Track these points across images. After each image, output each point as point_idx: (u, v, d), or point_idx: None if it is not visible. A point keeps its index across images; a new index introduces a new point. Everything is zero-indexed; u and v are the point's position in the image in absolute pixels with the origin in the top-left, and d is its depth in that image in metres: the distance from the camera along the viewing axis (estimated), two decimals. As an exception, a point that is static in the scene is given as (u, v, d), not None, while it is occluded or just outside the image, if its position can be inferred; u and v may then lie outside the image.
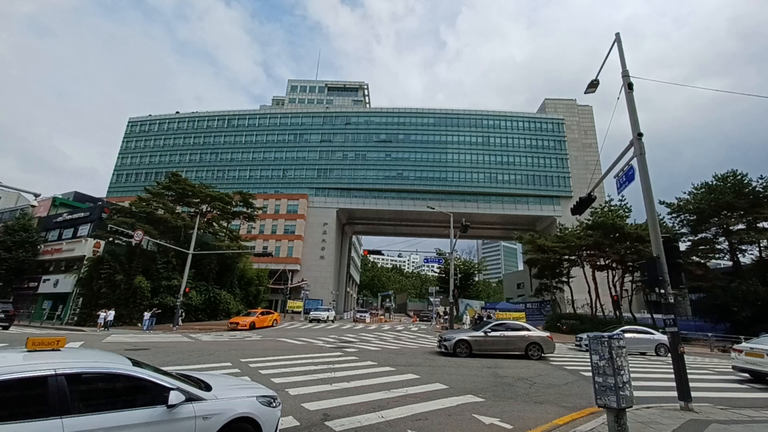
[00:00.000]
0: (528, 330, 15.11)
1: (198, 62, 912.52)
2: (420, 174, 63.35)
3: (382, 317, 50.14)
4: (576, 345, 20.63)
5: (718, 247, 31.69)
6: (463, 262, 65.39)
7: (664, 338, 17.64)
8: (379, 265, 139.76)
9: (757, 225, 28.65)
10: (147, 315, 24.21)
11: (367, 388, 8.54)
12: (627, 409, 5.49)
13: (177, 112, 73.53)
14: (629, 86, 9.91)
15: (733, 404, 8.16)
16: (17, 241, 33.52)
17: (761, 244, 29.68)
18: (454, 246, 30.56)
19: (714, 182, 31.29)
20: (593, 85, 12.08)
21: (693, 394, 7.33)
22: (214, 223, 37.90)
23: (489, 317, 28.72)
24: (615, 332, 6.03)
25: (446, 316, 39.16)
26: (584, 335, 22.05)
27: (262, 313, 28.72)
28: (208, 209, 36.92)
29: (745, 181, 29.53)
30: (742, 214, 28.64)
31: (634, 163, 9.48)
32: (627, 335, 17.20)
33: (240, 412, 4.09)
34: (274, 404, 4.63)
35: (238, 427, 4.05)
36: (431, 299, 49.64)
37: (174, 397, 3.57)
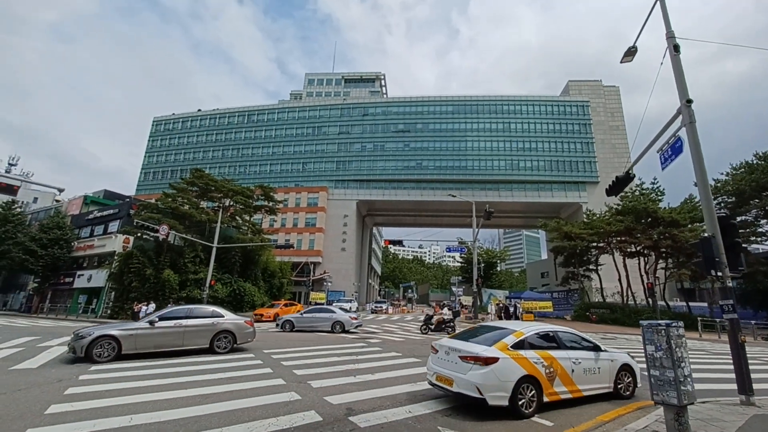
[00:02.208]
0: None
1: (214, 60, 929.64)
2: (439, 163, 62.22)
3: (404, 308, 49.88)
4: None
5: (760, 230, 29.61)
6: (485, 251, 64.26)
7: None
8: (400, 257, 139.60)
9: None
10: (152, 307, 24.72)
11: (393, 380, 8.19)
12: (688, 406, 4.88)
13: (199, 110, 74.73)
14: (675, 48, 8.95)
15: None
16: (52, 238, 34.81)
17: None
18: (477, 234, 29.76)
19: (755, 161, 29.12)
20: (631, 53, 11.13)
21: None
22: (237, 217, 38.32)
23: (515, 307, 27.85)
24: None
25: (461, 306, 38.47)
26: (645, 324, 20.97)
27: (286, 305, 28.90)
28: (231, 203, 37.34)
29: (789, 158, 27.37)
30: (785, 195, 26.59)
31: (682, 133, 8.58)
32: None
33: (624, 362, 7.60)
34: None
35: (626, 371, 7.56)
36: (453, 289, 48.94)
37: (600, 349, 7.39)
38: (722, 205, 31.12)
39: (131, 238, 32.20)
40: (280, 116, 69.39)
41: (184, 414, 5.69)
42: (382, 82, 79.13)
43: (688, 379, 4.95)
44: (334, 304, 39.37)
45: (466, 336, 7.22)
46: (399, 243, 40.48)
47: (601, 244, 35.75)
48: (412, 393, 7.15)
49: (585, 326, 28.87)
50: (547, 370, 6.28)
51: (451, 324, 19.39)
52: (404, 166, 62.51)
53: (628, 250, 33.67)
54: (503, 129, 63.42)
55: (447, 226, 75.20)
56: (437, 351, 6.81)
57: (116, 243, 33.03)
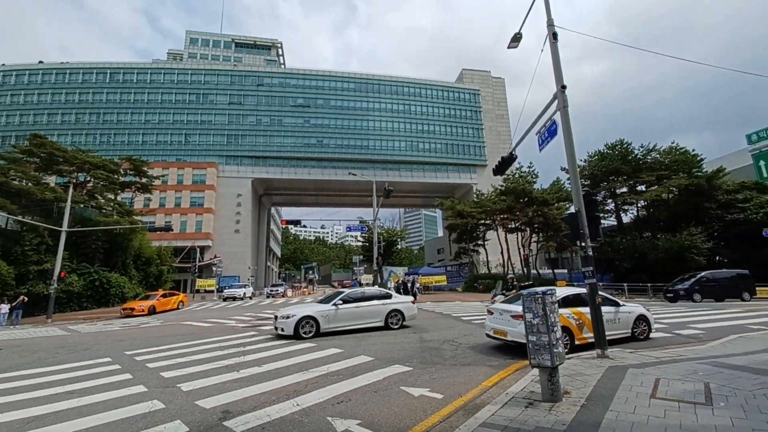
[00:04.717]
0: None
1: (59, 3, 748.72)
2: (341, 142, 61.24)
3: (305, 290, 48.72)
4: (491, 301, 21.66)
5: (607, 208, 36.26)
6: (386, 230, 66.35)
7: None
8: (301, 238, 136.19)
9: (637, 188, 33.21)
10: (4, 307, 19.57)
11: (283, 370, 7.41)
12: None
13: (41, 62, 59.68)
14: (554, 36, 9.55)
15: (631, 347, 8.77)
16: None
17: (639, 205, 34.59)
18: (377, 214, 30.05)
19: (605, 151, 35.21)
20: (516, 39, 11.63)
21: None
22: (98, 196, 32.00)
23: (413, 282, 29.17)
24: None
25: (367, 283, 39.31)
26: (497, 290, 23.54)
27: (165, 296, 25.36)
28: (88, 179, 30.88)
29: (629, 149, 33.74)
30: (625, 179, 32.87)
31: (557, 117, 9.31)
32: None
33: (640, 313, 9.69)
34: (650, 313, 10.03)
35: (641, 319, 9.66)
36: (355, 268, 49.48)
37: (619, 305, 9.53)
38: (580, 186, 37.18)
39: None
40: (154, 78, 59.55)
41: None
42: (279, 51, 73.64)
43: (559, 342, 5.26)
44: (225, 291, 36.45)
45: (514, 300, 9.00)
46: (297, 223, 38.84)
47: (488, 221, 39.73)
48: (302, 382, 6.51)
49: (473, 296, 31.95)
50: (577, 322, 8.46)
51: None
52: (304, 144, 59.88)
53: (509, 226, 38.12)
54: (403, 110, 65.12)
55: (349, 206, 75.29)
56: (492, 313, 9.14)
57: None
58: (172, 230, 32.85)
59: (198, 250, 48.86)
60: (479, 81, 71.03)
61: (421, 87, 67.24)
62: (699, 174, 31.71)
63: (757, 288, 23.75)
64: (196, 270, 41.26)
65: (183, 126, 58.06)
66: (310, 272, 66.84)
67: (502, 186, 38.11)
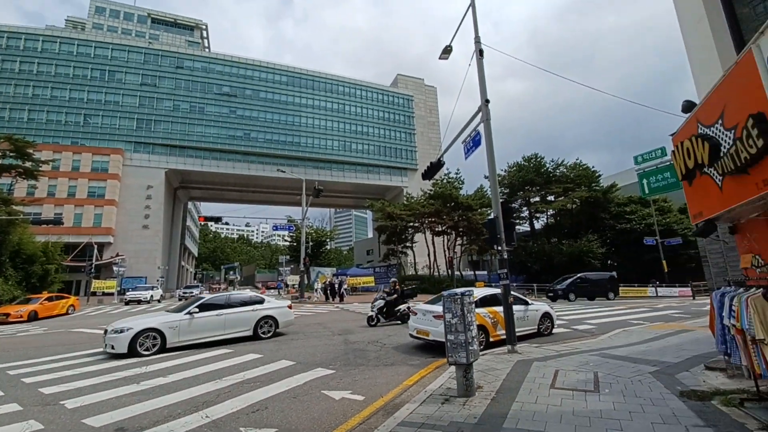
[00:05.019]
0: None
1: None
2: (270, 136, 58.55)
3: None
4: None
5: (522, 215, 39.98)
6: (315, 230, 65.00)
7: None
8: (222, 235, 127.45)
9: (547, 198, 37.22)
10: None
11: (191, 380, 6.76)
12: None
13: None
14: (480, 53, 10.17)
15: (537, 342, 9.68)
16: None
17: (548, 213, 38.73)
18: (306, 213, 29.30)
19: (523, 163, 38.84)
20: (447, 51, 12.18)
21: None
22: (-38, 179, 26.38)
23: (341, 283, 28.94)
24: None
25: (293, 285, 38.21)
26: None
27: (51, 299, 21.80)
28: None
29: (542, 162, 37.71)
30: (538, 189, 36.72)
31: (481, 128, 9.92)
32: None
33: (545, 311, 10.75)
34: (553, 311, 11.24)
35: (546, 316, 10.75)
36: (281, 269, 47.67)
37: (528, 303, 10.58)
38: (500, 195, 40.44)
39: None
40: (48, 47, 51.05)
41: None
42: (204, 33, 68.19)
43: (475, 340, 5.57)
44: (128, 293, 32.54)
45: (437, 301, 8.97)
46: (218, 220, 35.85)
47: (417, 224, 41.14)
48: (213, 392, 5.98)
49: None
50: (492, 320, 9.09)
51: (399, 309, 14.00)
52: (229, 135, 56.03)
53: (437, 229, 39.90)
54: (338, 109, 64.58)
55: (277, 204, 72.36)
56: (416, 313, 9.55)
57: None
58: (62, 224, 28.36)
59: (96, 247, 42.82)
60: (413, 87, 73.40)
61: (356, 87, 67.34)
62: (597, 188, 36.74)
63: (631, 287, 28.07)
64: (92, 269, 36.01)
65: (82, 105, 50.58)
66: (231, 273, 62.86)
67: (431, 190, 39.76)
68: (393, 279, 17.76)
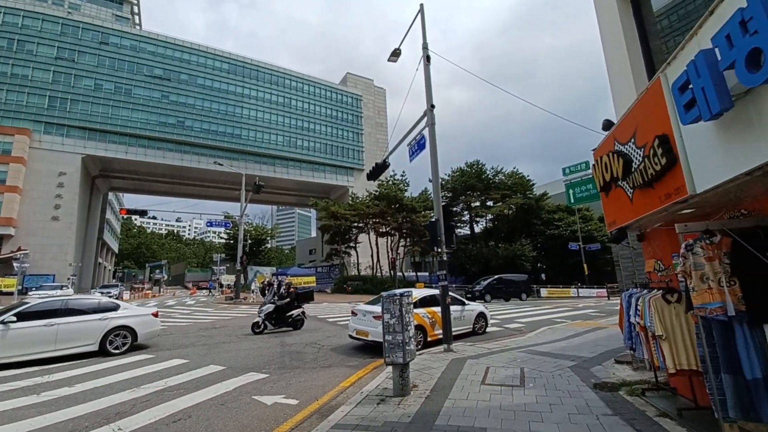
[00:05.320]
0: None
1: None
2: (208, 126, 54.74)
3: (148, 292, 41.80)
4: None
5: (464, 219, 41.83)
6: (254, 227, 62.24)
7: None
8: (149, 231, 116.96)
9: (487, 203, 39.38)
10: None
11: (104, 389, 6.08)
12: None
13: None
14: (428, 59, 10.41)
15: (471, 341, 10.12)
16: None
17: (488, 218, 40.94)
18: (245, 209, 27.90)
19: (465, 168, 40.70)
20: (396, 54, 12.33)
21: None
22: None
23: (280, 284, 27.87)
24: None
25: (228, 285, 36.21)
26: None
27: None
28: None
29: (483, 169, 39.84)
30: (479, 194, 38.76)
31: (426, 132, 10.15)
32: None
33: (480, 311, 11.25)
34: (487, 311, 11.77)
35: (480, 316, 11.18)
36: (215, 268, 44.90)
37: (465, 303, 10.99)
38: (443, 198, 41.82)
39: None
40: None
41: None
42: (135, 8, 62.04)
43: (412, 340, 5.65)
44: (32, 293, 28.56)
45: (376, 302, 9.06)
46: (143, 213, 32.35)
47: (361, 225, 41.14)
48: (129, 401, 5.44)
49: (342, 297, 32.43)
50: (431, 320, 9.19)
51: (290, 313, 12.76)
52: (160, 122, 51.40)
53: (381, 230, 40.24)
54: (283, 103, 62.43)
55: (213, 198, 67.97)
56: (356, 314, 9.26)
57: None
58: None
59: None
60: (362, 87, 73.38)
61: (304, 82, 65.66)
62: (531, 196, 39.71)
63: (557, 288, 30.66)
64: (-15, 266, 31.01)
65: (-22, 75, 43.42)
66: (158, 271, 57.85)
67: (376, 191, 39.99)
68: (286, 281, 16.02)
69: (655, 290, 4.58)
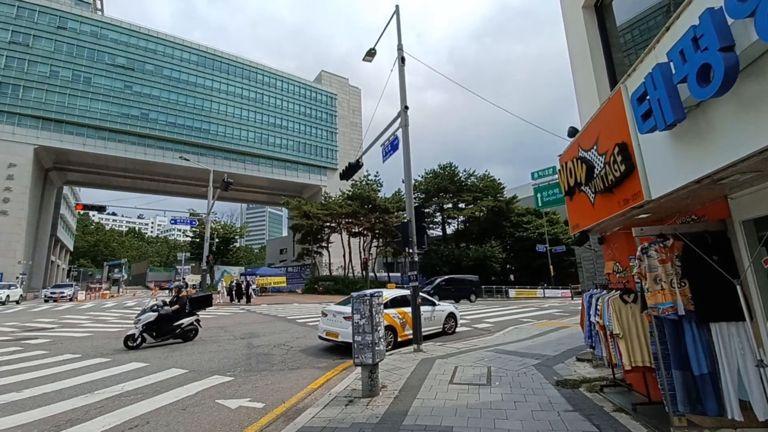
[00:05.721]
0: None
1: None
2: (174, 119, 52.35)
3: (106, 292, 39.59)
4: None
5: (436, 220, 42.34)
6: (222, 225, 60.36)
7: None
8: (108, 227, 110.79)
9: (459, 205, 40.08)
10: None
11: (54, 395, 5.72)
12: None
13: None
14: (402, 60, 10.47)
15: (441, 340, 10.26)
16: None
17: (459, 219, 41.67)
18: (212, 206, 26.98)
19: (438, 170, 41.23)
20: (371, 54, 12.29)
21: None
22: None
23: (248, 284, 27.19)
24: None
25: (193, 285, 34.92)
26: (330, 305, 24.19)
27: None
28: None
29: (456, 171, 40.50)
30: (451, 196, 39.39)
31: (400, 133, 10.19)
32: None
33: (450, 311, 11.38)
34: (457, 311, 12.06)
35: (450, 316, 11.35)
36: (179, 267, 43.16)
37: (435, 304, 11.04)
38: (415, 200, 42.17)
39: None
40: None
41: None
42: (98, -7, 58.76)
43: (381, 341, 5.65)
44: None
45: (346, 302, 8.95)
46: (101, 209, 29.76)
47: (333, 224, 40.77)
48: (82, 408, 5.15)
49: (312, 297, 32.03)
50: (401, 321, 9.17)
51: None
52: (121, 113, 48.60)
53: (353, 230, 40.00)
54: (255, 99, 60.78)
55: (179, 195, 65.20)
56: (326, 315, 9.03)
57: None
58: None
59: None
60: (337, 86, 72.70)
61: (277, 78, 64.25)
62: (501, 198, 40.78)
63: (524, 289, 31.64)
64: None
65: None
66: (116, 270, 54.84)
67: (349, 191, 39.75)
68: (176, 284, 14.12)
69: (614, 291, 4.81)
